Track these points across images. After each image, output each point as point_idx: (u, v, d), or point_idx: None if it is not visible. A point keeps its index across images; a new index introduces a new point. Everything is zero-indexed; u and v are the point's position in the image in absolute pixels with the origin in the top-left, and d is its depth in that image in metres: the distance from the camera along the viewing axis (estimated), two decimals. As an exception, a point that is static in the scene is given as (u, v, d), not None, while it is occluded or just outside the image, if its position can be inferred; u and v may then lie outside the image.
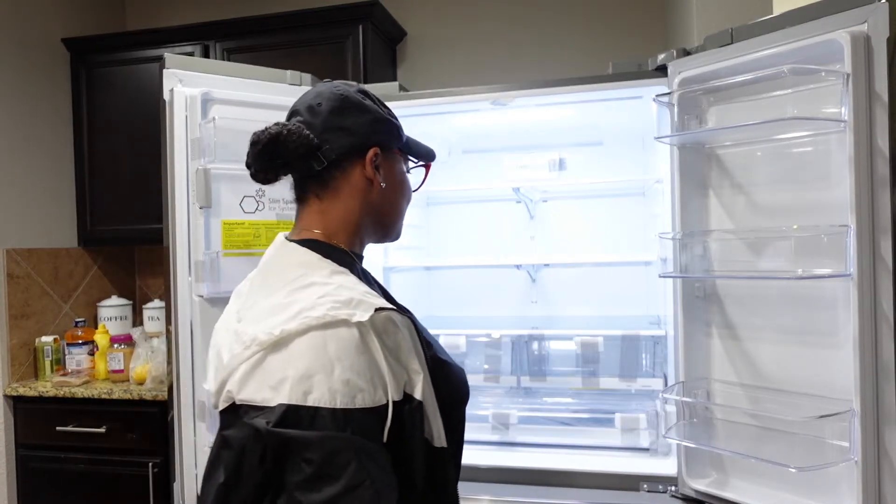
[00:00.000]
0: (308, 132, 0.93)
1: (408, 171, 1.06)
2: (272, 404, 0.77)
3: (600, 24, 2.74)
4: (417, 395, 0.84)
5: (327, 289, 0.84)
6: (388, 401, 0.80)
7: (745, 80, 1.49)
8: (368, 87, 1.95)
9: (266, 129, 0.93)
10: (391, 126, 1.00)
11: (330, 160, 0.94)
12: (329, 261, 0.91)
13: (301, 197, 1.00)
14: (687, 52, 1.65)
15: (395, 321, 0.85)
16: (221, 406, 0.84)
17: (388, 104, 2.03)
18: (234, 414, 0.82)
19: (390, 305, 0.85)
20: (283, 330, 0.80)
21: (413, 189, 1.07)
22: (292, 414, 0.75)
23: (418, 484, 0.85)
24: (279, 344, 0.80)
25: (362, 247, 1.01)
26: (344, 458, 0.74)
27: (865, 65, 1.31)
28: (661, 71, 1.70)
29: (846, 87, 1.32)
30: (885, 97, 1.30)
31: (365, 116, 0.96)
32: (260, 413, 0.78)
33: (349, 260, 0.95)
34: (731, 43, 1.53)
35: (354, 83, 1.02)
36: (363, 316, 0.80)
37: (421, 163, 1.08)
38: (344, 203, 0.96)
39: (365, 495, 0.74)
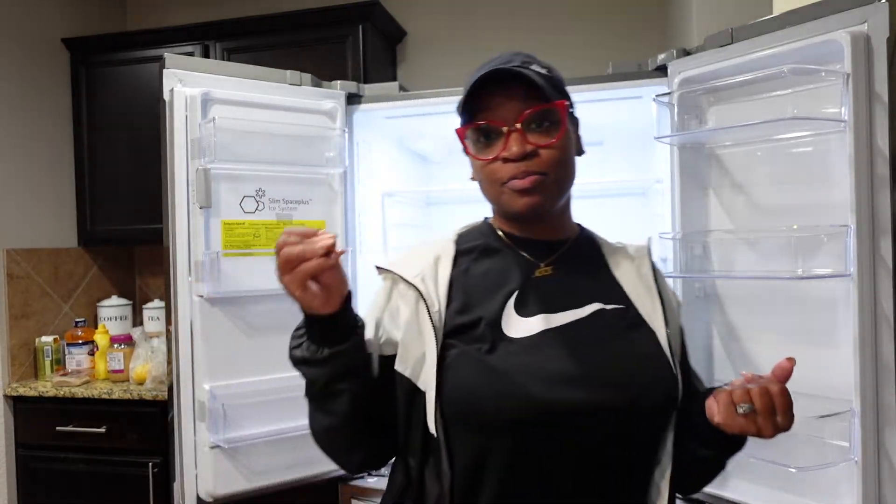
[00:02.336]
0: None
1: (469, 147, 0.96)
2: None
3: (600, 24, 2.74)
4: (396, 359, 0.92)
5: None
6: (376, 338, 0.95)
7: (745, 80, 1.49)
8: (368, 86, 1.97)
9: None
10: (458, 108, 0.95)
11: None
12: (450, 232, 1.04)
13: None
14: (687, 52, 1.65)
15: (401, 289, 0.94)
16: None
17: (389, 104, 2.01)
18: None
19: (395, 270, 0.95)
20: None
21: (485, 159, 0.93)
22: None
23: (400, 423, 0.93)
24: None
25: (505, 223, 1.01)
26: None
27: (865, 65, 1.31)
28: (661, 71, 1.70)
29: (846, 87, 1.32)
30: (885, 97, 1.30)
31: None
32: None
33: (479, 232, 1.03)
34: (731, 43, 1.53)
35: None
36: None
37: (463, 128, 0.96)
38: None
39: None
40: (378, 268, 0.98)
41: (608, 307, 0.93)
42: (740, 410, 0.79)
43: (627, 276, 0.97)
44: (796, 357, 1.49)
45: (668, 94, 1.64)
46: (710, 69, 1.56)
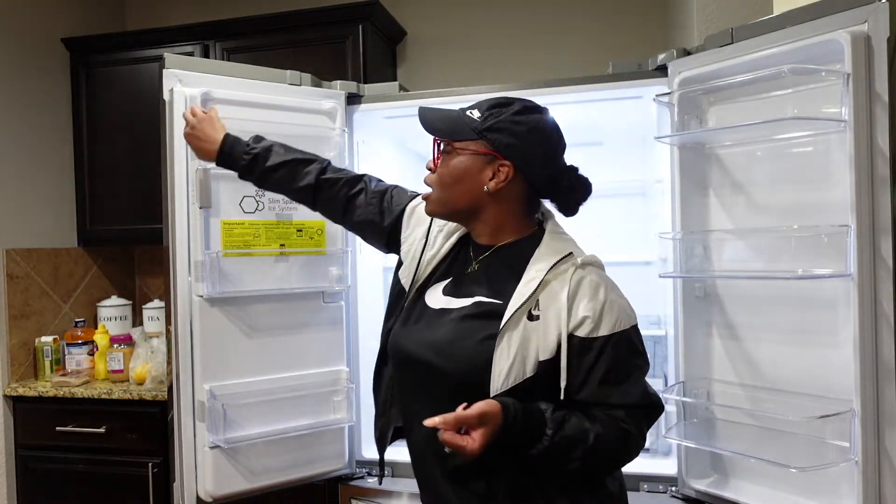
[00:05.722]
0: None
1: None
2: None
3: (600, 24, 2.74)
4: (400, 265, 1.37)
5: None
6: (394, 209, 1.44)
7: (746, 80, 1.49)
8: (368, 86, 1.97)
9: None
10: None
11: None
12: None
13: None
14: (687, 52, 1.65)
15: (435, 224, 1.32)
16: None
17: (389, 104, 2.05)
18: None
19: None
20: None
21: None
22: None
23: None
24: None
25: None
26: None
27: (865, 65, 1.31)
28: (661, 71, 1.70)
29: (846, 87, 1.32)
30: (885, 97, 1.30)
31: None
32: None
33: None
34: (732, 43, 1.53)
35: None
36: None
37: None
38: None
39: None
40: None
41: (485, 300, 1.17)
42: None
43: (533, 284, 1.12)
44: (796, 357, 1.50)
45: (668, 94, 1.64)
46: (710, 69, 1.56)
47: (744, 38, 1.51)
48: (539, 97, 1.94)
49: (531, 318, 1.11)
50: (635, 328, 1.15)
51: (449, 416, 1.01)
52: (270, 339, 1.78)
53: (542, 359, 1.10)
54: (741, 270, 1.58)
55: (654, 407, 1.17)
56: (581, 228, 2.26)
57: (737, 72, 1.50)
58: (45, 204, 2.77)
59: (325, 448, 1.83)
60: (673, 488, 1.69)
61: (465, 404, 1.03)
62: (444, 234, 1.31)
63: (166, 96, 1.68)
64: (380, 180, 1.52)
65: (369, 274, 2.07)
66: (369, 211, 1.45)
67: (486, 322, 1.14)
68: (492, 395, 1.08)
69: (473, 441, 1.00)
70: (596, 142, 2.20)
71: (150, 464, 2.36)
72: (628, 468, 1.75)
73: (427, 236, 1.32)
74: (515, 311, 1.11)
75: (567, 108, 1.95)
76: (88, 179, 2.85)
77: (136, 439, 2.41)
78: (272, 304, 1.78)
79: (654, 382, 1.95)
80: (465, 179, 1.19)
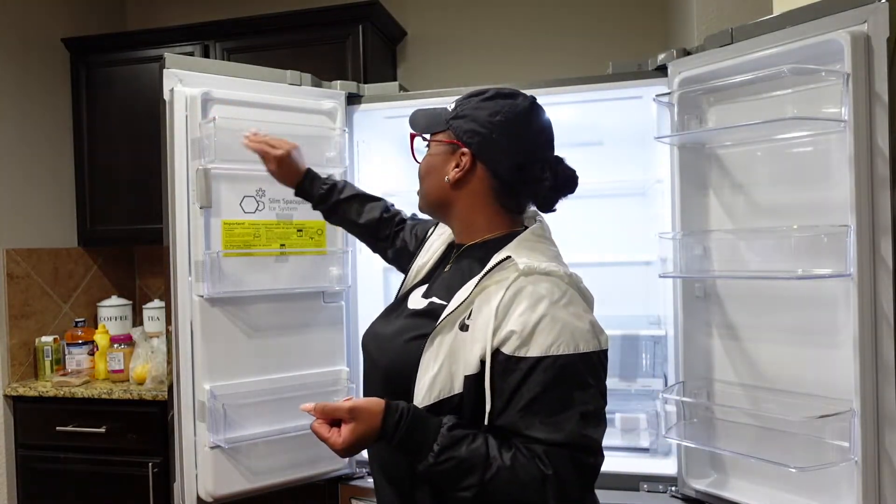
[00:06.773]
0: None
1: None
2: None
3: (600, 24, 2.74)
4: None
5: None
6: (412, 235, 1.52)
7: (745, 80, 1.49)
8: (368, 86, 1.97)
9: None
10: None
11: None
12: None
13: None
14: (687, 52, 1.65)
15: (435, 232, 1.35)
16: None
17: (389, 104, 2.05)
18: None
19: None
20: None
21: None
22: None
23: None
24: None
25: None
26: None
27: (865, 65, 1.31)
28: (661, 71, 1.70)
29: (846, 87, 1.32)
30: (885, 97, 1.30)
31: None
32: None
33: None
34: (731, 43, 1.53)
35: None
36: None
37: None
38: None
39: None
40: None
41: (437, 301, 1.13)
42: None
43: (468, 288, 1.05)
44: (796, 357, 1.50)
45: (668, 94, 1.64)
46: (710, 69, 1.56)
47: (743, 39, 1.51)
48: (539, 97, 1.94)
49: (463, 327, 1.02)
50: (586, 357, 0.98)
51: (320, 404, 0.99)
52: (271, 339, 1.79)
53: (465, 373, 1.00)
54: (741, 270, 1.58)
55: (583, 450, 0.97)
56: (580, 229, 2.27)
57: (736, 72, 1.50)
58: (45, 204, 2.77)
59: (325, 448, 1.81)
60: (673, 488, 1.69)
61: (349, 397, 1.01)
62: (442, 240, 1.27)
63: (167, 96, 1.69)
64: (419, 217, 1.56)
65: (369, 274, 2.07)
66: (403, 238, 1.51)
67: (423, 321, 1.09)
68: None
69: (338, 436, 0.96)
70: (596, 142, 2.21)
71: (150, 464, 2.36)
72: (627, 468, 1.77)
73: (423, 243, 1.33)
74: (446, 316, 1.03)
75: (567, 108, 1.96)
76: (88, 179, 2.85)
77: (136, 439, 2.41)
78: (272, 304, 1.78)
79: (653, 382, 1.97)
80: (433, 171, 1.16)
